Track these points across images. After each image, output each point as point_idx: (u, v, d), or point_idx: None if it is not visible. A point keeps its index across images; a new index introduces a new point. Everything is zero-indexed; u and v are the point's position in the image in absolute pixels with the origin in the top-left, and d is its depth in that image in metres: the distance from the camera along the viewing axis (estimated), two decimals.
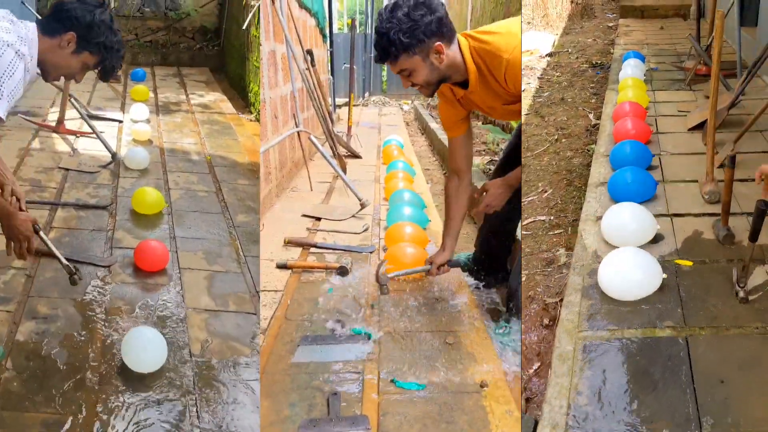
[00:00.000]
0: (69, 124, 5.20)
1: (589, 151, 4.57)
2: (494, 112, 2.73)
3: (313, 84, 5.79)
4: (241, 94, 7.54)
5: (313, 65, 6.09)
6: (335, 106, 10.11)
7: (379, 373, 2.32)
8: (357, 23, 9.26)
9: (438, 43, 2.37)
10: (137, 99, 6.66)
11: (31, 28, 2.23)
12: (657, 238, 2.93)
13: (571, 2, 10.97)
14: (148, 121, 5.89)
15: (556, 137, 5.08)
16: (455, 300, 2.95)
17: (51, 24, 2.27)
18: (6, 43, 2.10)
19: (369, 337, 2.58)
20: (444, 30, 2.38)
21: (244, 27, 7.02)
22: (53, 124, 5.17)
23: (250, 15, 6.65)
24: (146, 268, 3.06)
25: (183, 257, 3.28)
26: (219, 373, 2.37)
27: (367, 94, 16.00)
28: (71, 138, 5.09)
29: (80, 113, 5.05)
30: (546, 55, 8.18)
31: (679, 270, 2.68)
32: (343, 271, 3.24)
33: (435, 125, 7.77)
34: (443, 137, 6.56)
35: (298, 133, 5.37)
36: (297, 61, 5.39)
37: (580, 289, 2.59)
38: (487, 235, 3.11)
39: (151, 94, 7.08)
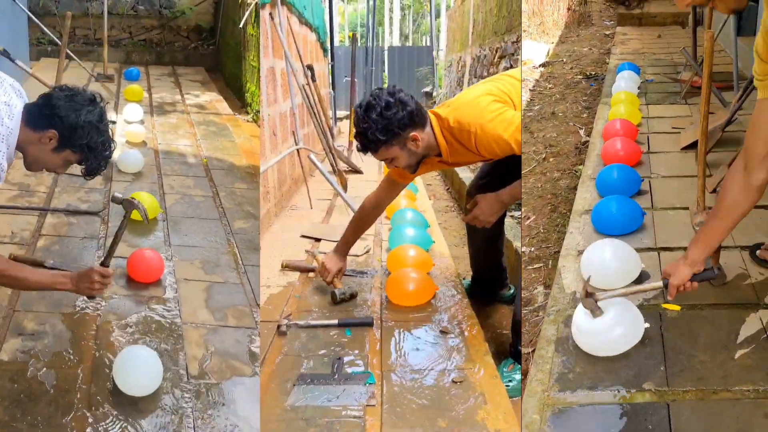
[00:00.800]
0: None
1: (576, 172, 4.32)
2: (472, 162, 3.04)
3: (314, 99, 5.70)
4: (237, 93, 7.50)
5: (313, 80, 6.00)
6: (336, 120, 9.95)
7: (382, 421, 2.08)
8: (358, 36, 9.09)
9: (413, 132, 2.64)
10: (131, 99, 6.52)
11: (15, 117, 2.13)
12: (642, 277, 2.68)
13: (568, 9, 10.75)
14: (142, 122, 5.78)
15: (543, 155, 4.83)
16: (463, 331, 2.75)
17: (35, 117, 2.18)
18: None
19: (370, 378, 2.35)
20: (416, 120, 2.65)
21: (240, 25, 6.90)
22: None
23: (247, 13, 6.60)
24: (140, 279, 2.94)
25: (179, 267, 3.17)
26: (218, 396, 2.24)
27: None
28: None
29: None
30: (539, 66, 7.94)
31: (664, 316, 2.41)
32: (333, 298, 3.06)
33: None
34: None
35: (297, 150, 5.29)
36: (296, 77, 5.39)
37: (553, 340, 2.33)
38: (475, 254, 3.48)
39: (146, 94, 6.97)
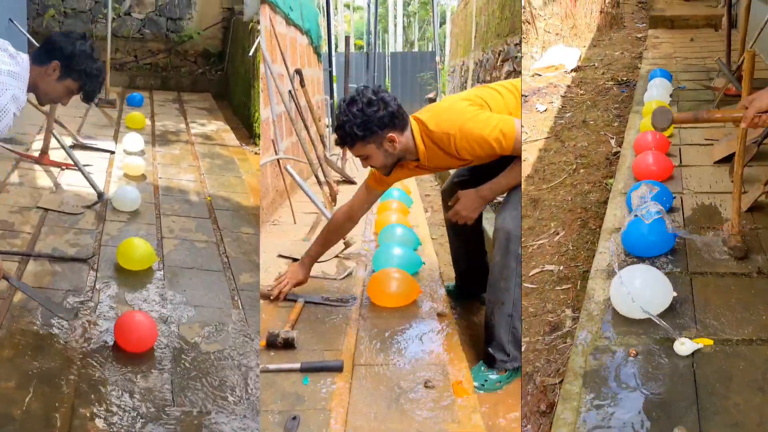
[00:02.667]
0: (55, 155, 4.80)
1: (607, 185, 4.22)
2: (452, 167, 3.13)
3: (303, 106, 5.54)
4: (245, 123, 7.22)
5: (302, 86, 5.80)
6: (333, 127, 9.82)
7: None
8: (352, 42, 8.99)
9: (390, 134, 2.74)
10: (132, 127, 6.32)
11: (24, 61, 2.55)
12: (674, 305, 2.58)
13: (601, 12, 10.60)
14: (142, 152, 5.54)
15: (574, 166, 4.73)
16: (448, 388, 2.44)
17: (41, 54, 2.62)
18: (3, 88, 2.41)
19: None
20: (396, 122, 2.75)
21: (250, 54, 6.75)
22: (37, 154, 4.81)
23: (257, 40, 6.38)
24: (129, 348, 2.59)
25: (175, 332, 2.82)
26: None
27: None
28: (56, 171, 4.69)
29: (62, 145, 4.59)
30: (571, 71, 7.82)
31: (697, 352, 2.31)
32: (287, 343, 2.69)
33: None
34: None
35: (278, 160, 5.06)
36: (277, 81, 5.12)
37: (581, 374, 2.25)
38: (456, 255, 3.57)
39: (148, 122, 6.70)
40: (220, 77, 9.10)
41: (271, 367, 2.50)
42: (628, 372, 2.22)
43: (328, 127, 8.90)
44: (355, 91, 2.77)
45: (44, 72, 2.61)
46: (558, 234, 3.75)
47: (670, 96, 5.52)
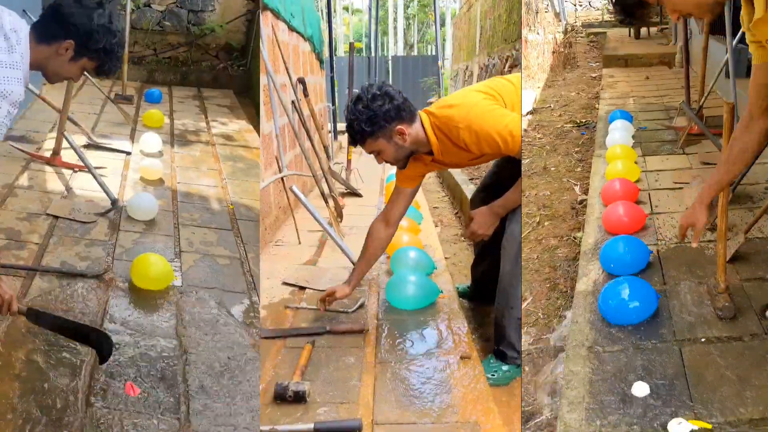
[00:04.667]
0: (67, 155, 4.52)
1: (575, 239, 3.97)
2: (461, 166, 3.27)
3: (306, 116, 5.41)
4: None
5: (305, 95, 5.66)
6: (336, 134, 9.46)
7: None
8: (363, 46, 8.66)
9: (399, 126, 2.81)
10: (150, 125, 6.04)
11: (23, 42, 2.14)
12: (667, 382, 2.37)
13: (553, 52, 10.59)
14: (160, 153, 5.29)
15: (537, 219, 4.47)
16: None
17: (47, 29, 2.21)
18: None
19: None
20: (403, 114, 2.82)
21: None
22: (48, 154, 4.53)
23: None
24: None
25: (194, 370, 2.56)
26: None
27: None
28: (68, 173, 4.42)
29: (74, 148, 4.31)
30: (527, 113, 7.66)
31: None
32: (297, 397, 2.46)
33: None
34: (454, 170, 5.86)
35: (282, 178, 4.79)
36: (280, 92, 4.86)
37: None
38: (479, 259, 3.60)
39: (167, 120, 6.38)
40: (242, 73, 8.65)
41: (280, 429, 2.22)
42: None
43: (330, 132, 8.53)
44: (360, 89, 2.86)
45: (54, 52, 2.22)
46: (525, 300, 3.45)
47: (633, 137, 5.38)
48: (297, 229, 4.61)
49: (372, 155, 2.93)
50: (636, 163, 4.80)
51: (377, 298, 3.48)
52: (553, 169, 5.51)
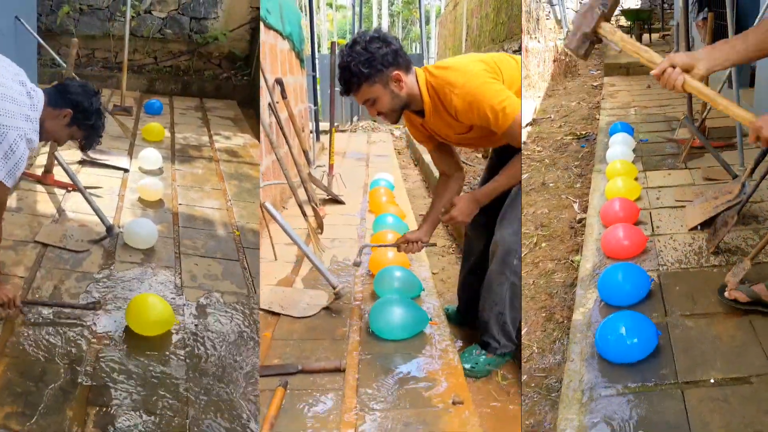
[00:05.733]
0: (60, 173, 4.29)
1: (573, 263, 3.80)
2: (449, 139, 3.06)
3: (285, 119, 5.19)
4: None
5: (284, 97, 5.42)
6: (318, 135, 9.21)
7: None
8: (337, 45, 8.40)
9: (396, 72, 2.72)
10: (149, 139, 5.84)
11: (39, 100, 2.71)
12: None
13: (554, 61, 10.45)
14: (160, 170, 5.07)
15: (534, 239, 4.31)
16: None
17: (55, 97, 2.80)
18: (20, 136, 2.57)
19: None
20: (400, 60, 2.74)
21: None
22: (40, 171, 4.34)
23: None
24: None
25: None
26: None
27: (355, 119, 15.37)
28: (60, 192, 4.20)
29: (65, 169, 4.02)
30: (527, 125, 7.50)
31: None
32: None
33: (429, 158, 6.22)
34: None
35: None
36: (271, 94, 4.64)
37: None
38: (466, 277, 3.50)
39: (167, 133, 6.16)
40: (246, 83, 8.42)
41: None
42: None
43: (312, 133, 8.31)
44: (356, 35, 2.77)
45: (55, 115, 2.79)
46: (522, 329, 3.27)
47: (633, 151, 5.24)
48: (273, 245, 4.22)
49: (365, 106, 2.82)
50: (637, 179, 4.66)
51: (360, 320, 3.26)
52: (551, 185, 5.36)
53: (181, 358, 2.76)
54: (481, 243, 3.25)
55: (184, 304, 3.20)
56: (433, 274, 4.11)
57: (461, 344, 3.32)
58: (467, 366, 2.91)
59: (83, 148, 3.02)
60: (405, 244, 3.17)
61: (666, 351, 2.63)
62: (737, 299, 2.79)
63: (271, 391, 2.53)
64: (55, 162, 4.29)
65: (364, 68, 2.64)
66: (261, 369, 2.76)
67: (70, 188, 4.28)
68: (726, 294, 2.84)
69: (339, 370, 2.74)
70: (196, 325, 3.03)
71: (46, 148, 4.47)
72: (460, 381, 2.70)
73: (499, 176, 2.90)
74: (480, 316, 3.04)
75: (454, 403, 2.51)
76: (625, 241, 3.53)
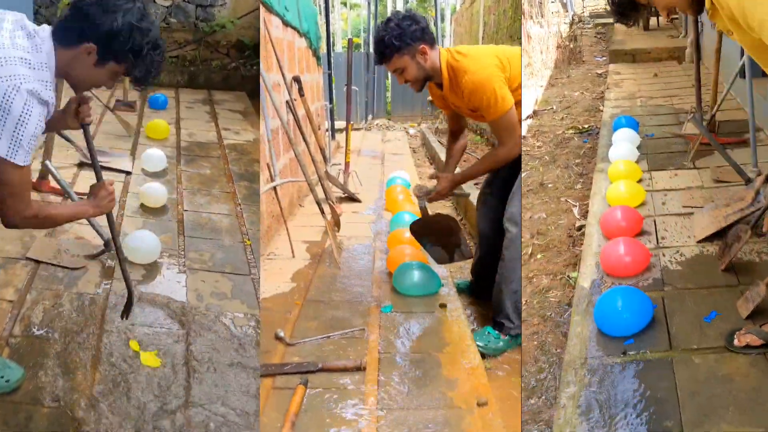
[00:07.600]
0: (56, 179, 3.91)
1: (570, 280, 3.47)
2: (461, 111, 3.54)
3: (302, 116, 5.14)
4: None
5: (301, 94, 5.37)
6: (333, 133, 9.00)
7: None
8: (352, 42, 8.10)
9: (422, 45, 3.22)
10: (154, 137, 5.55)
11: (46, 43, 2.00)
12: None
13: (558, 47, 10.07)
14: (164, 172, 4.78)
15: (530, 249, 3.99)
16: None
17: (67, 32, 2.04)
18: (14, 87, 1.86)
19: None
20: (426, 37, 3.24)
21: None
22: (34, 177, 3.94)
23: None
24: None
25: None
26: None
27: (370, 117, 15.35)
28: (56, 200, 3.91)
29: (56, 179, 3.76)
30: (527, 117, 7.15)
31: None
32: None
33: (444, 156, 6.52)
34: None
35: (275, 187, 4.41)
36: (271, 92, 4.55)
37: None
38: (483, 255, 3.80)
39: (172, 130, 5.85)
40: (256, 73, 7.82)
41: None
42: None
43: (328, 131, 8.08)
44: (390, 14, 3.40)
45: (75, 56, 2.04)
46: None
47: (638, 148, 4.87)
48: (290, 241, 4.24)
49: (395, 75, 3.30)
50: (641, 181, 4.33)
51: (379, 326, 3.20)
52: (550, 185, 5.06)
53: None
54: (489, 220, 3.70)
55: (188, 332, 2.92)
56: (450, 272, 4.06)
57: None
58: (480, 344, 3.18)
59: (138, 84, 2.20)
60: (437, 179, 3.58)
61: (671, 397, 2.30)
62: (749, 344, 2.50)
63: (291, 389, 2.55)
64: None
65: (396, 41, 3.14)
66: (281, 367, 2.75)
67: (66, 196, 3.92)
68: (736, 343, 2.55)
69: (359, 369, 2.77)
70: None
71: (40, 152, 4.09)
72: (483, 382, 2.70)
73: (475, 164, 3.61)
74: (494, 297, 3.36)
75: (478, 405, 2.52)
76: (627, 258, 3.27)
